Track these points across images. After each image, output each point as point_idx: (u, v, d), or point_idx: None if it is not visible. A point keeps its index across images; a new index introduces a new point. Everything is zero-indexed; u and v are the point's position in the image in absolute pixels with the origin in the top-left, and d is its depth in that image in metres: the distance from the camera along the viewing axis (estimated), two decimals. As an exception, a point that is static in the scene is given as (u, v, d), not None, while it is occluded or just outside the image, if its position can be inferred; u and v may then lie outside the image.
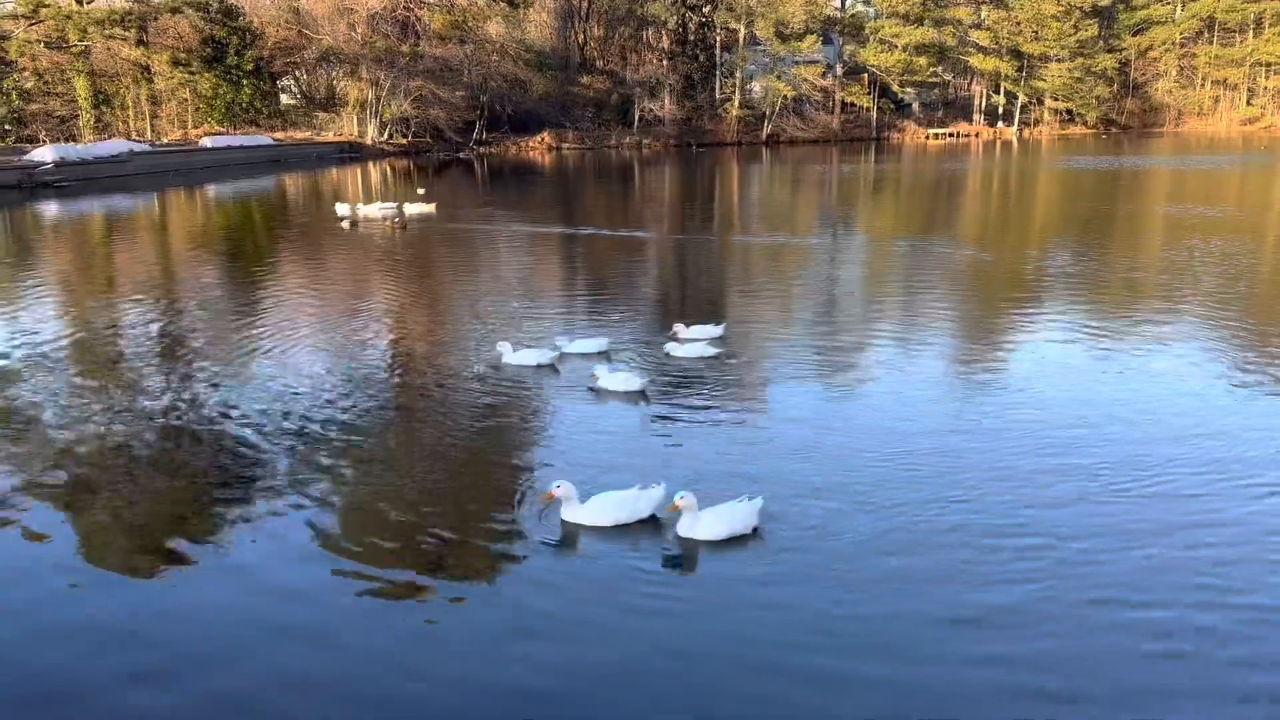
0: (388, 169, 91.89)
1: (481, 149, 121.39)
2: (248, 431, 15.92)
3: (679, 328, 21.61)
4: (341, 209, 50.35)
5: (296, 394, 17.92)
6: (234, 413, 16.89)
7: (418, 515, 12.76)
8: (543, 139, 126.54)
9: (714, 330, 21.79)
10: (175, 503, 13.31)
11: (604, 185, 73.34)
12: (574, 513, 12.29)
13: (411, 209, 51.02)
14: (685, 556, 11.70)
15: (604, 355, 20.11)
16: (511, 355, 19.75)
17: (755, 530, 12.07)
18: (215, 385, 18.56)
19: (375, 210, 50.59)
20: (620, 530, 12.33)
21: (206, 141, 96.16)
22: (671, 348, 20.17)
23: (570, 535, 12.23)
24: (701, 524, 11.90)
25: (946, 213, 49.34)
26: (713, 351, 20.02)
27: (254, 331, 23.21)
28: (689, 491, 12.19)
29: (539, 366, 19.36)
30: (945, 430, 15.43)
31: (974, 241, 37.16)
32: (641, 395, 17.51)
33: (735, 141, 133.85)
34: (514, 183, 76.47)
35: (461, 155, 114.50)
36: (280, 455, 14.87)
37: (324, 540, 12.26)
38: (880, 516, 12.49)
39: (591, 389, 17.92)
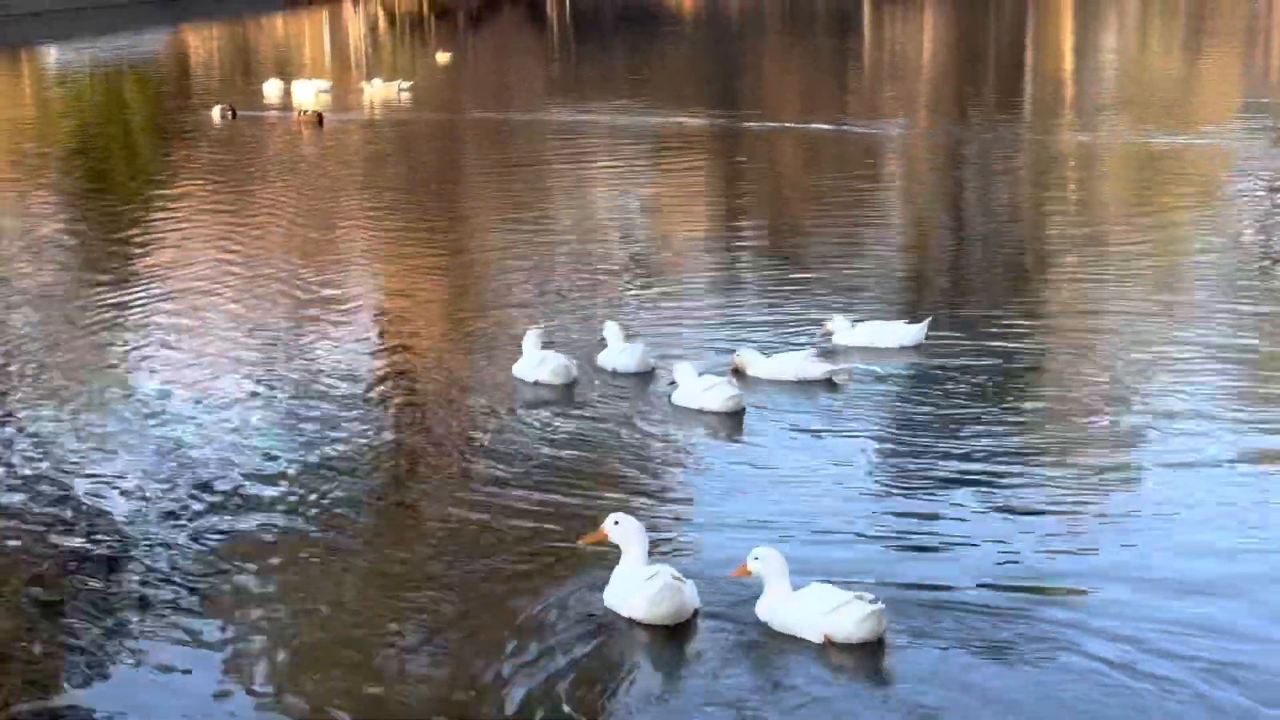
0: (380, 17, 68.27)
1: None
2: (124, 512, 11.24)
3: (834, 325, 15.64)
4: (272, 90, 40.00)
5: (211, 448, 12.75)
6: (99, 479, 11.97)
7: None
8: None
9: (901, 331, 15.26)
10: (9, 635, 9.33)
11: (803, 45, 49.71)
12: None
13: (378, 90, 40.46)
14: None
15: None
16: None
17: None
18: (62, 427, 13.31)
19: (308, 92, 39.05)
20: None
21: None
22: (750, 360, 14.55)
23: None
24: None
25: None
26: (825, 369, 14.24)
27: (122, 327, 16.93)
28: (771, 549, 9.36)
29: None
30: None
31: None
32: (735, 419, 13.11)
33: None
34: (622, 41, 52.84)
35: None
36: (187, 562, 10.40)
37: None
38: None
39: (669, 400, 13.67)
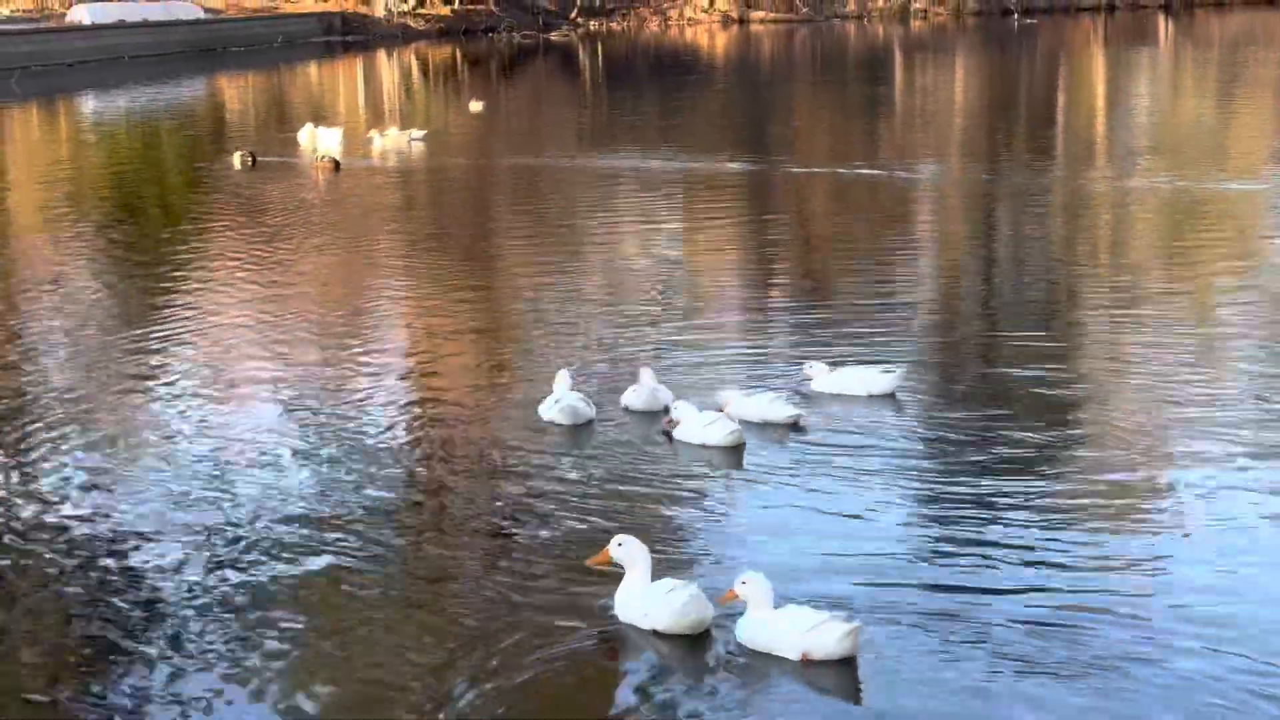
0: (413, 62, 66.76)
1: (593, 24, 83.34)
2: (152, 557, 11.35)
3: (812, 370, 15.44)
4: (305, 137, 39.88)
5: (237, 493, 12.82)
6: (126, 525, 12.08)
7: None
8: (712, 3, 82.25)
9: (871, 379, 15.18)
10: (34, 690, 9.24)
11: (835, 92, 49.79)
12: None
13: (389, 138, 39.51)
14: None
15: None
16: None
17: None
18: (94, 479, 13.30)
19: (334, 139, 38.65)
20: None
21: (82, 13, 64.23)
22: (728, 399, 14.77)
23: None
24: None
25: None
26: (788, 413, 14.23)
27: (154, 383, 16.86)
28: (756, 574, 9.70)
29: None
30: None
31: None
32: (736, 453, 13.44)
33: (1102, 3, 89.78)
34: (654, 88, 53.20)
35: (553, 37, 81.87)
36: (211, 618, 10.28)
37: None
38: None
39: (666, 433, 14.01)
